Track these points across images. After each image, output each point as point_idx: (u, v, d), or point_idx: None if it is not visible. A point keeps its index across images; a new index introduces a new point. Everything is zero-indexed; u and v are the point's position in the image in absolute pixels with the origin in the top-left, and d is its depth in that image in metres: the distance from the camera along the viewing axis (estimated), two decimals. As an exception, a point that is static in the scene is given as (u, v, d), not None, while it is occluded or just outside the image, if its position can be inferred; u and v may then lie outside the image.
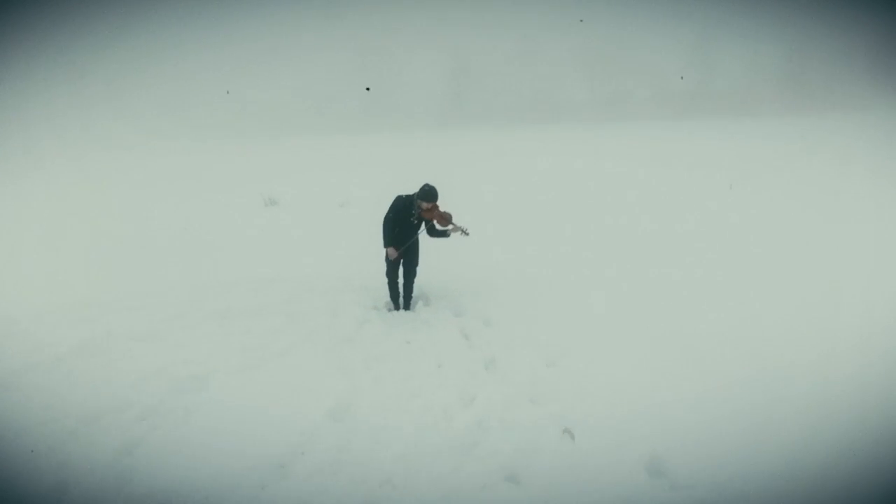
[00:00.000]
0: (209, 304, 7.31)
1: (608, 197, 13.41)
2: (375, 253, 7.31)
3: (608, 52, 56.38)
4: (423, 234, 6.93)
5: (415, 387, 5.12)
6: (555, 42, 57.95)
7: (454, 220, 6.75)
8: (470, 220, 7.69)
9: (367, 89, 51.68)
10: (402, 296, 7.13)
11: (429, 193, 6.57)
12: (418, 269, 7.10)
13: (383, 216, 6.74)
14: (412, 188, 6.80)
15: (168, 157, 25.05)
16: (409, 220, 6.69)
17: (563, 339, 5.78)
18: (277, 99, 52.30)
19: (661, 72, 55.16)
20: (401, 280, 7.11)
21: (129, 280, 8.60)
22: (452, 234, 6.79)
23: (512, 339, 5.86)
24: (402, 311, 6.99)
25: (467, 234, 6.74)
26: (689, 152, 21.06)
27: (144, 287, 8.24)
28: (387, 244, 6.73)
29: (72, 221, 13.17)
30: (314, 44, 58.88)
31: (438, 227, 6.81)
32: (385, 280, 7.13)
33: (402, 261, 6.95)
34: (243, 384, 5.27)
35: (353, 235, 10.82)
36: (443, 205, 6.77)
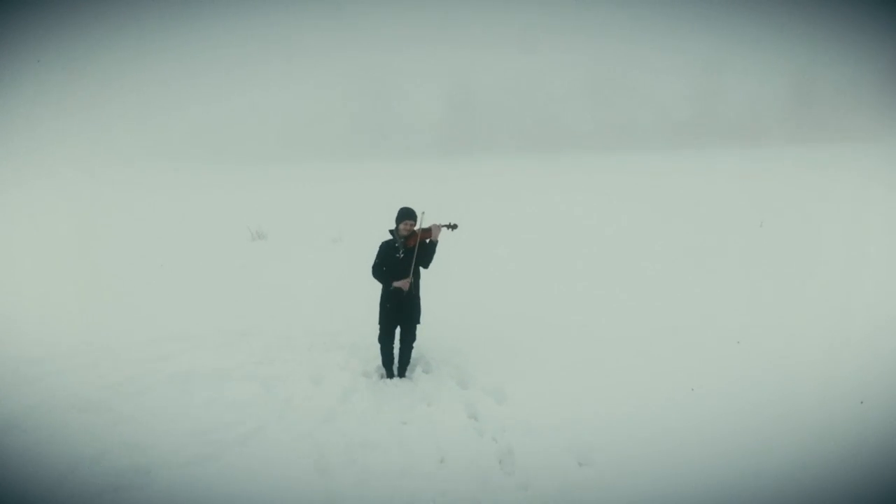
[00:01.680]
0: (170, 364, 6.23)
1: (635, 242, 12.15)
2: (367, 302, 6.19)
3: (613, 80, 55.97)
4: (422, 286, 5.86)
5: (410, 490, 4.00)
6: (558, 69, 57.67)
7: (436, 224, 5.77)
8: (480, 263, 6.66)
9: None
10: (397, 360, 6.01)
11: (407, 213, 5.66)
12: (418, 331, 5.96)
13: (371, 266, 5.76)
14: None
15: (157, 180, 24.14)
16: (395, 258, 5.66)
17: (597, 424, 4.63)
18: (273, 124, 51.75)
19: (667, 101, 54.66)
20: (396, 344, 5.98)
21: (87, 329, 7.52)
22: (441, 238, 5.78)
23: (532, 423, 4.70)
24: (396, 380, 5.84)
25: (455, 226, 5.84)
26: (709, 187, 19.94)
27: (103, 338, 7.16)
28: (389, 283, 5.70)
29: (32, 252, 12.14)
30: (310, 68, 58.60)
31: (430, 240, 5.81)
32: (378, 343, 5.99)
33: (398, 322, 5.86)
34: (193, 483, 4.18)
35: (344, 276, 9.78)
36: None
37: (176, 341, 7.00)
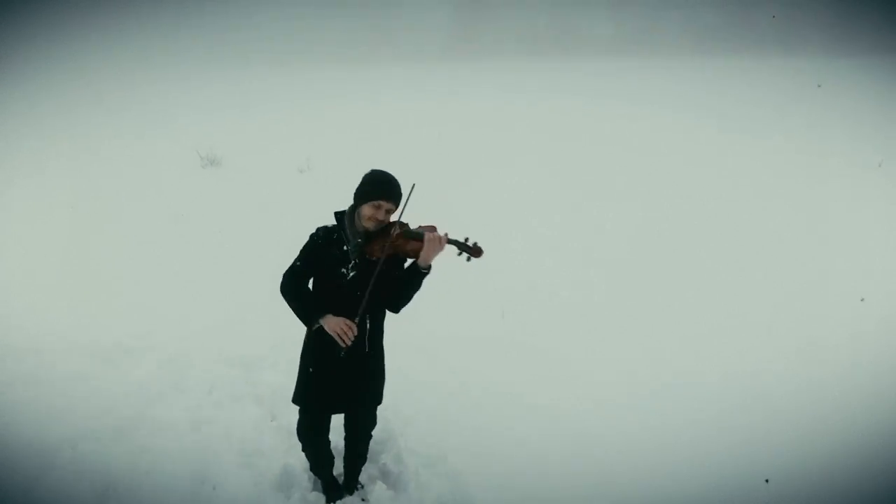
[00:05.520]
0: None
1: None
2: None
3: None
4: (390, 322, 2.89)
5: None
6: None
7: (436, 234, 2.62)
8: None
9: None
10: (341, 457, 3.20)
11: (384, 184, 2.63)
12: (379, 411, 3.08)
13: (284, 272, 2.76)
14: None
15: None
16: (337, 273, 2.70)
17: None
18: (249, 20, 46.81)
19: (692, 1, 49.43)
20: (340, 433, 3.12)
21: None
22: (437, 258, 2.65)
23: None
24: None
25: (477, 251, 2.65)
26: (785, 112, 14.88)
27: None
28: (312, 318, 2.69)
29: None
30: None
31: (413, 261, 2.67)
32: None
33: (337, 400, 2.85)
34: None
35: (302, 227, 7.11)
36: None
37: (14, 360, 4.47)
